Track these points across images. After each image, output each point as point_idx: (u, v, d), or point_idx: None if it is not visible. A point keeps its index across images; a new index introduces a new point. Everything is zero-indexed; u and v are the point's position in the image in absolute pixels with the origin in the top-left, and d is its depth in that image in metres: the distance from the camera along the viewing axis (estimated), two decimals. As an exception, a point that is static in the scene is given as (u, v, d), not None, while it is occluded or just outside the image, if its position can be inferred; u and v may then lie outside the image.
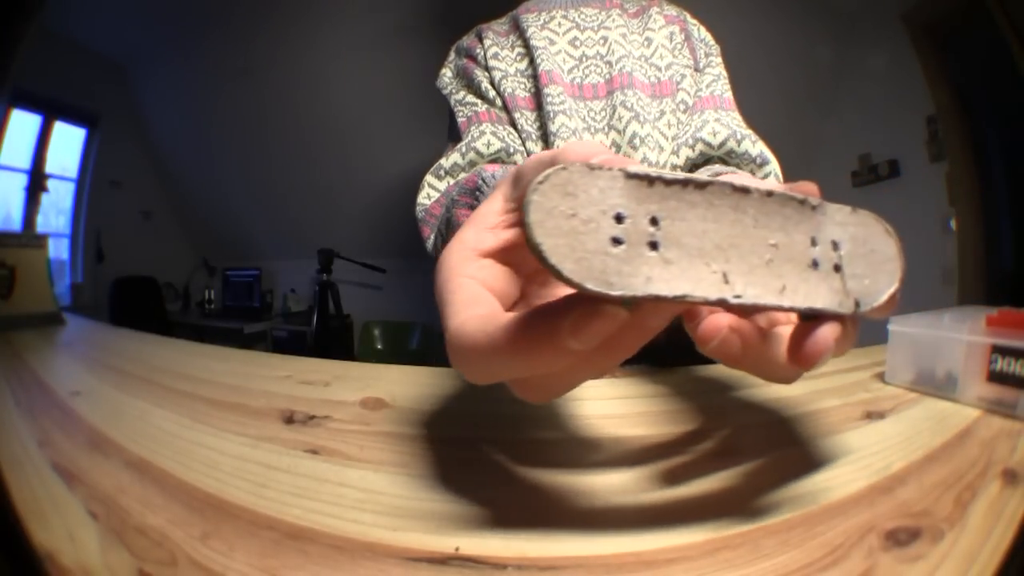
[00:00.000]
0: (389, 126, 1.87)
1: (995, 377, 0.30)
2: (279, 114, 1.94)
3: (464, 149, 0.60)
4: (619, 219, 0.15)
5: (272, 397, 0.34)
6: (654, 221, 0.15)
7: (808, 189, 0.19)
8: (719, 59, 0.66)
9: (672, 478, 0.23)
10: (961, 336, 0.33)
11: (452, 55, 0.70)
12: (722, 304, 0.15)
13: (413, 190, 0.64)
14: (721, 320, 0.18)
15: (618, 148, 0.58)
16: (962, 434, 0.28)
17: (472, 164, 0.61)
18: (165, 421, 0.30)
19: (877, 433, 0.28)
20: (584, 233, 0.14)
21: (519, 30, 0.65)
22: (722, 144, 0.54)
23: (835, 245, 0.18)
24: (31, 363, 0.44)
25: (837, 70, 1.75)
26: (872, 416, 0.30)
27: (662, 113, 0.60)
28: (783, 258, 0.17)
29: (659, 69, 0.62)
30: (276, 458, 0.25)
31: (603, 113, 0.61)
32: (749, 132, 0.56)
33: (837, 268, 0.18)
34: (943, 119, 1.41)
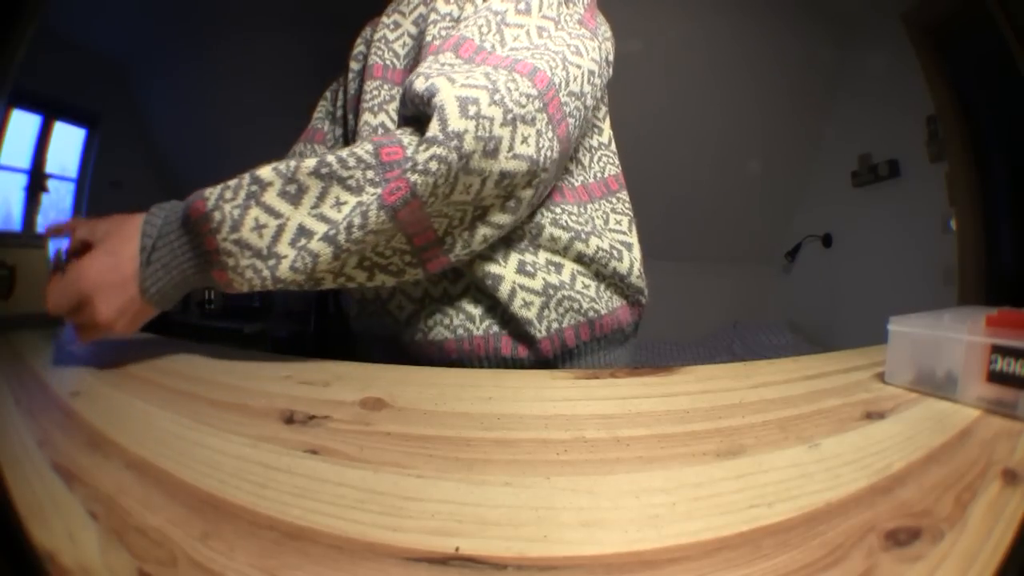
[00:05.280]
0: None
1: (995, 377, 0.30)
2: (278, 113, 1.94)
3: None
4: None
5: (272, 397, 0.34)
6: None
7: None
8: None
9: (672, 478, 0.23)
10: (961, 336, 0.33)
11: None
12: None
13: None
14: None
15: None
16: (962, 434, 0.28)
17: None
18: (165, 421, 0.30)
19: (877, 433, 0.28)
20: None
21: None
22: (405, 100, 0.41)
23: None
24: (31, 363, 0.43)
25: (837, 70, 1.75)
26: (872, 416, 0.30)
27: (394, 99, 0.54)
28: None
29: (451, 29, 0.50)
30: (276, 458, 0.25)
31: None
32: (430, 69, 0.40)
33: None
34: (943, 119, 1.41)
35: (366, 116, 0.54)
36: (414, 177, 0.35)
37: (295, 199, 0.37)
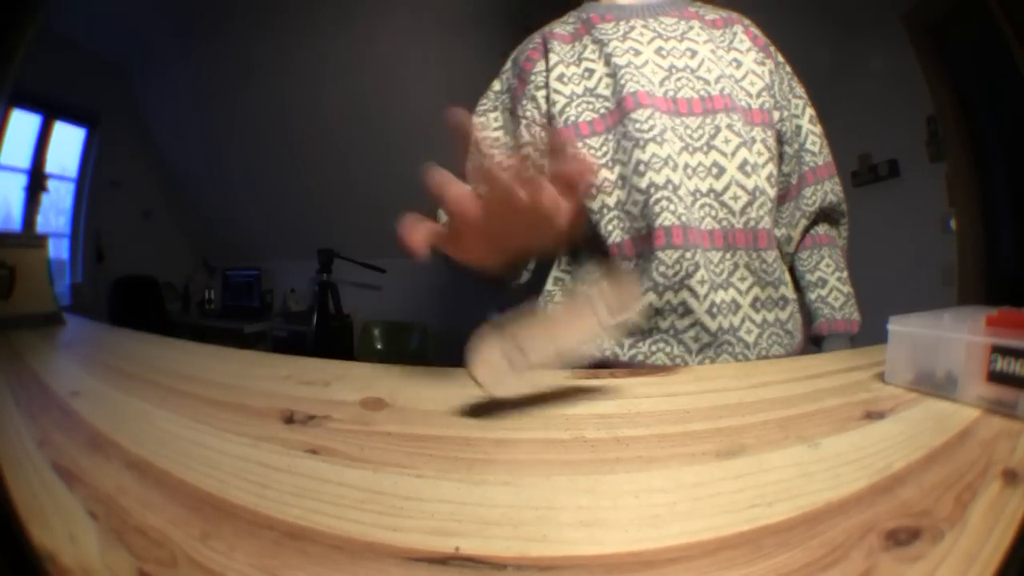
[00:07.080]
0: (388, 124, 1.87)
1: (995, 377, 0.30)
2: (278, 114, 1.94)
3: None
4: None
5: (272, 397, 0.34)
6: None
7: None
8: (804, 97, 0.69)
9: (672, 478, 0.23)
10: (961, 336, 0.33)
11: (508, 66, 0.65)
12: None
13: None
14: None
15: (722, 170, 0.55)
16: (962, 434, 0.28)
17: None
18: (165, 421, 0.30)
19: (877, 433, 0.28)
20: None
21: (596, 41, 0.60)
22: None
23: None
24: (31, 363, 0.44)
25: (837, 70, 1.75)
26: (872, 416, 0.30)
27: (754, 140, 0.58)
28: None
29: (750, 96, 0.60)
30: (276, 458, 0.25)
31: (700, 131, 0.57)
32: (841, 192, 0.72)
33: None
34: (943, 119, 1.41)
35: (652, 148, 0.54)
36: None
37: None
